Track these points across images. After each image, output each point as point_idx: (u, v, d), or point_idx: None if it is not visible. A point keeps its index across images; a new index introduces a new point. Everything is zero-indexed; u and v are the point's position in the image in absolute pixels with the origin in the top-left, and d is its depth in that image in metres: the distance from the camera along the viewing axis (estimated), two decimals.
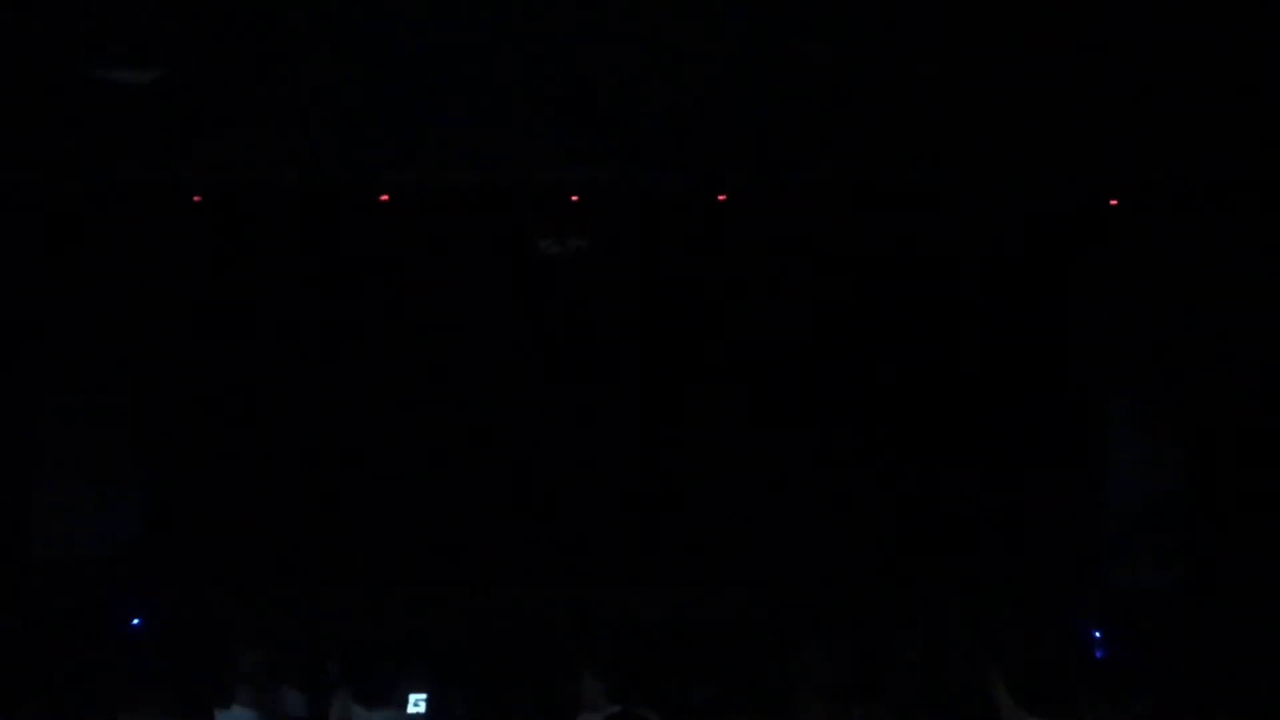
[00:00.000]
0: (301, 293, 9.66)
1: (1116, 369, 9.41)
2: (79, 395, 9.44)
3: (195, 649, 6.97)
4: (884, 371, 9.65)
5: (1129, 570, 9.01)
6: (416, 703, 5.78)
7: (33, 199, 8.84)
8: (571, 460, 9.68)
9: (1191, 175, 8.47)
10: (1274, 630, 7.53)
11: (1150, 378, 9.27)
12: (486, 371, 9.81)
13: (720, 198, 9.18)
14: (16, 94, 7.31)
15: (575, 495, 9.58)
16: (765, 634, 6.79)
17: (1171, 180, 8.59)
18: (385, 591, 9.03)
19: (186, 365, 9.66)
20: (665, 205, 9.33)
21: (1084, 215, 9.16)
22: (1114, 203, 8.98)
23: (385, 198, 9.27)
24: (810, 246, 9.49)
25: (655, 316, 9.82)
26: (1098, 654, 8.60)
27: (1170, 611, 8.47)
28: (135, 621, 9.18)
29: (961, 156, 8.44)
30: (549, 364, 9.82)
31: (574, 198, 9.27)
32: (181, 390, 9.66)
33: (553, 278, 9.67)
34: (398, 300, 9.75)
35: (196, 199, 9.25)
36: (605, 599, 8.86)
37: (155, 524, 9.46)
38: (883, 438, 9.59)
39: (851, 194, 9.16)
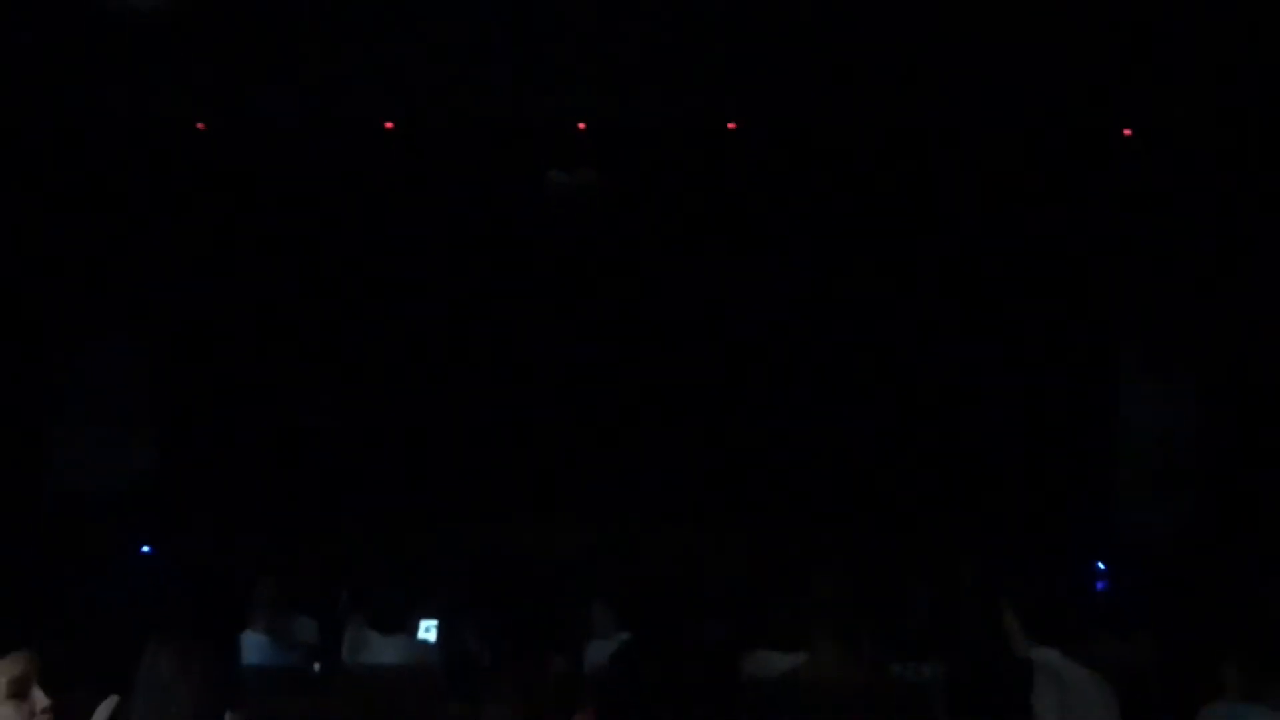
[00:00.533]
0: (308, 224, 9.60)
1: (1128, 310, 9.36)
2: (90, 334, 9.43)
3: (210, 579, 7.03)
4: (895, 309, 9.61)
5: (1136, 509, 9.04)
6: (427, 629, 5.84)
7: (40, 133, 8.75)
8: (582, 394, 9.68)
9: (1208, 106, 8.34)
10: (1273, 577, 7.56)
11: (1162, 320, 9.22)
12: (494, 305, 9.78)
13: (730, 126, 9.08)
14: (19, 23, 7.21)
15: (588, 430, 9.59)
16: (777, 570, 6.82)
17: (1188, 111, 8.46)
18: (397, 522, 9.08)
19: (196, 300, 9.63)
20: (674, 134, 9.22)
21: (1098, 149, 9.04)
22: (1128, 133, 8.86)
23: (390, 125, 9.17)
24: (819, 176, 9.41)
25: (664, 247, 9.76)
26: (1100, 586, 8.66)
27: (1175, 549, 8.50)
28: (145, 549, 9.25)
29: (973, 85, 8.32)
30: (557, 295, 9.79)
31: (581, 126, 9.18)
32: (192, 326, 9.65)
33: (561, 207, 9.60)
34: (403, 232, 9.70)
35: (200, 126, 9.16)
36: (617, 532, 8.91)
37: (168, 460, 9.50)
38: (893, 376, 9.58)
39: (861, 123, 9.05)
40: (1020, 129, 8.84)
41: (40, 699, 3.56)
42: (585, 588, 6.40)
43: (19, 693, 3.44)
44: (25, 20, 7.20)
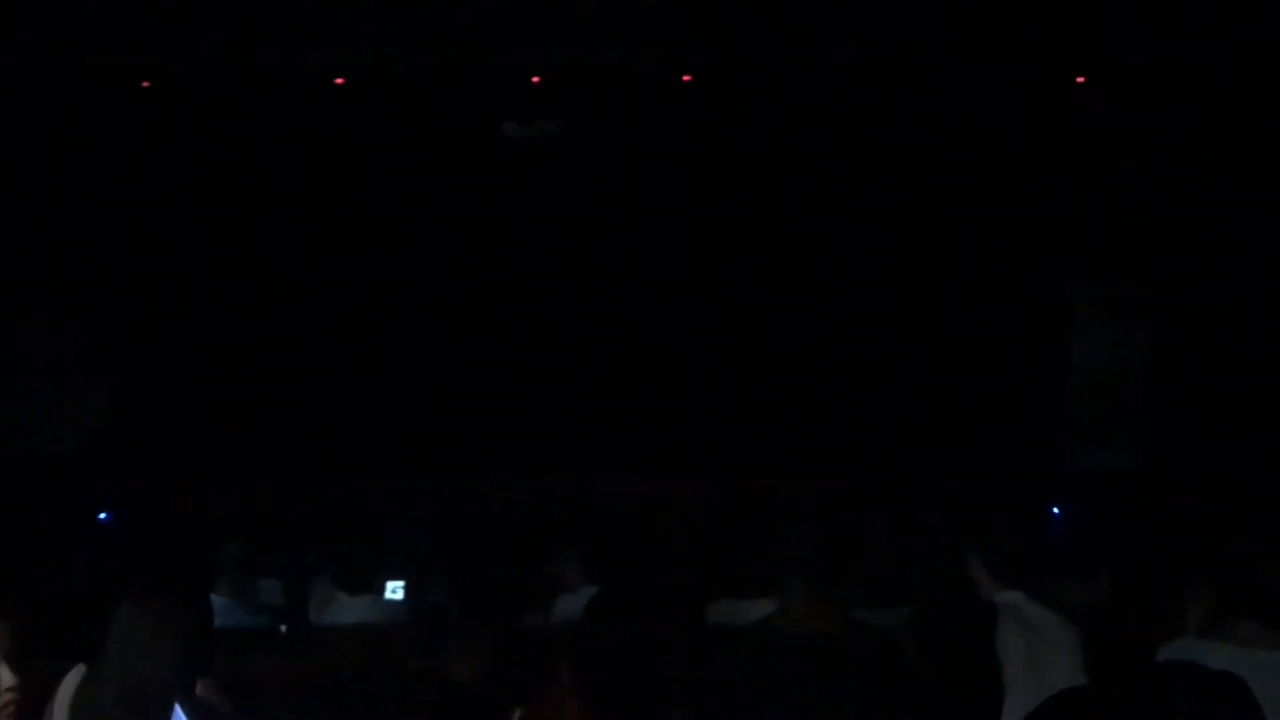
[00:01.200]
0: (260, 180, 9.47)
1: (1082, 252, 9.43)
2: (38, 291, 9.25)
3: (170, 541, 6.97)
4: (851, 258, 9.64)
5: (1091, 450, 9.15)
6: (394, 589, 5.83)
7: None
8: (547, 348, 9.66)
9: (1162, 51, 8.39)
10: (1229, 514, 7.68)
11: (1115, 261, 9.30)
12: (452, 259, 9.71)
13: (685, 78, 9.03)
14: None
15: (552, 383, 9.58)
16: (742, 519, 6.88)
17: (1141, 56, 8.50)
18: (361, 480, 9.04)
19: (143, 255, 9.49)
20: (630, 85, 9.15)
21: (1050, 93, 9.07)
22: (1080, 80, 8.90)
23: (341, 80, 9.05)
24: (776, 127, 9.40)
25: (621, 200, 9.72)
26: (1057, 529, 8.78)
27: (1129, 493, 8.62)
28: (102, 516, 9.15)
29: (926, 32, 8.32)
30: (515, 250, 9.74)
31: (535, 79, 9.10)
32: (139, 281, 9.50)
33: (516, 161, 9.53)
34: (358, 187, 9.59)
35: (145, 85, 9.00)
36: (584, 487, 8.92)
37: (118, 419, 9.37)
38: (850, 325, 9.62)
39: (816, 72, 9.04)
40: (974, 72, 8.86)
41: (6, 677, 3.51)
42: (553, 541, 6.41)
43: None
44: None
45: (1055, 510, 8.79)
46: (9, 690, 3.53)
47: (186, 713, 1.96)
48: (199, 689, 3.07)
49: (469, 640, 4.01)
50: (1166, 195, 8.89)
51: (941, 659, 3.97)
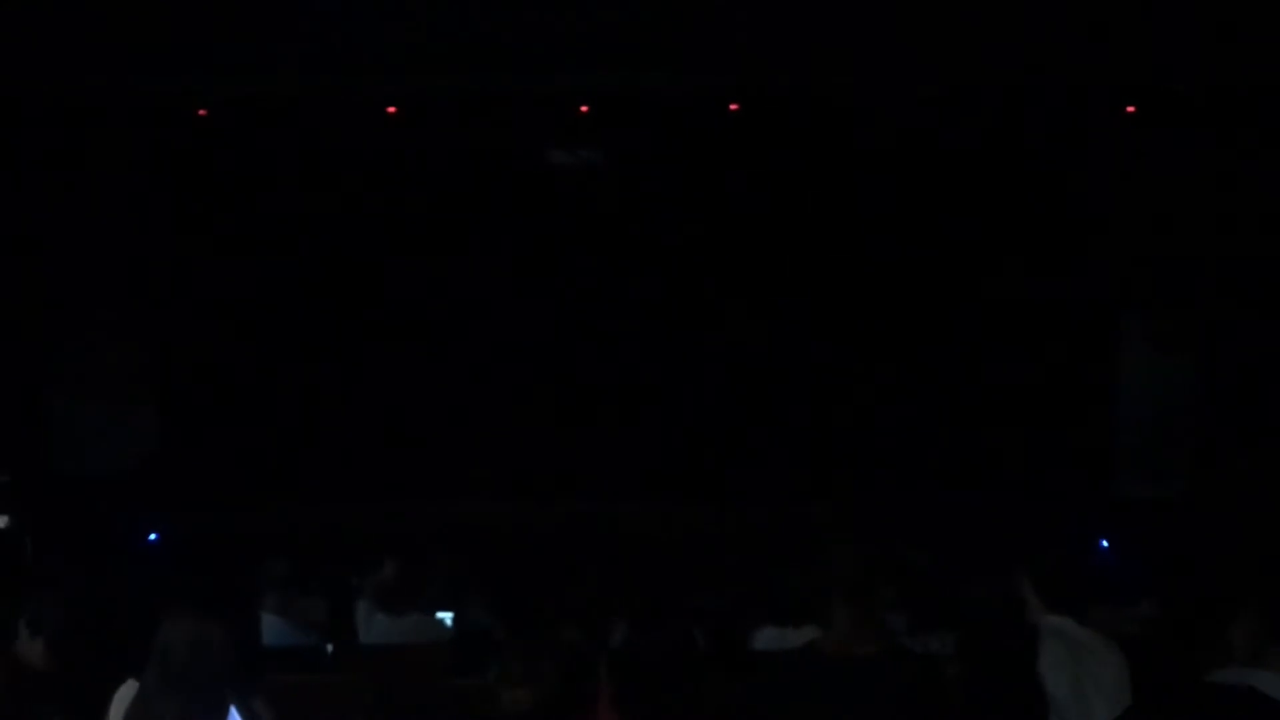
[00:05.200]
0: (311, 207, 9.61)
1: (1129, 282, 9.37)
2: (92, 313, 9.42)
3: (222, 560, 7.05)
4: (898, 287, 9.62)
5: (1139, 477, 9.07)
6: (439, 608, 5.88)
7: (38, 111, 8.74)
8: (591, 371, 9.70)
9: (1210, 81, 8.34)
10: (1275, 542, 7.59)
11: (1162, 291, 9.24)
12: (502, 285, 9.79)
13: (732, 107, 9.08)
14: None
15: (597, 408, 9.62)
16: (784, 546, 6.87)
17: (1191, 86, 8.46)
18: (407, 501, 9.10)
19: (196, 280, 9.64)
20: (676, 114, 9.22)
21: (1100, 123, 9.05)
22: (1130, 110, 8.87)
23: (393, 110, 9.18)
24: (822, 155, 9.42)
25: (666, 228, 9.77)
26: (1103, 561, 8.71)
27: (1176, 521, 8.53)
28: (152, 537, 9.27)
29: (976, 62, 8.32)
30: (560, 276, 9.80)
31: (583, 108, 9.19)
32: (192, 305, 9.65)
33: (563, 189, 9.62)
34: (407, 213, 9.71)
35: (202, 113, 9.16)
36: (627, 511, 8.94)
37: (170, 440, 9.50)
38: (897, 351, 9.59)
39: (861, 101, 9.06)
40: (1025, 103, 8.86)
41: None
42: (595, 565, 6.43)
43: None
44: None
45: (1102, 540, 8.71)
46: None
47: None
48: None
49: (514, 662, 4.03)
50: (1215, 226, 8.83)
51: (986, 683, 3.95)
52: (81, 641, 5.09)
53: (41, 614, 4.69)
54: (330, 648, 5.67)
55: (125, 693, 3.48)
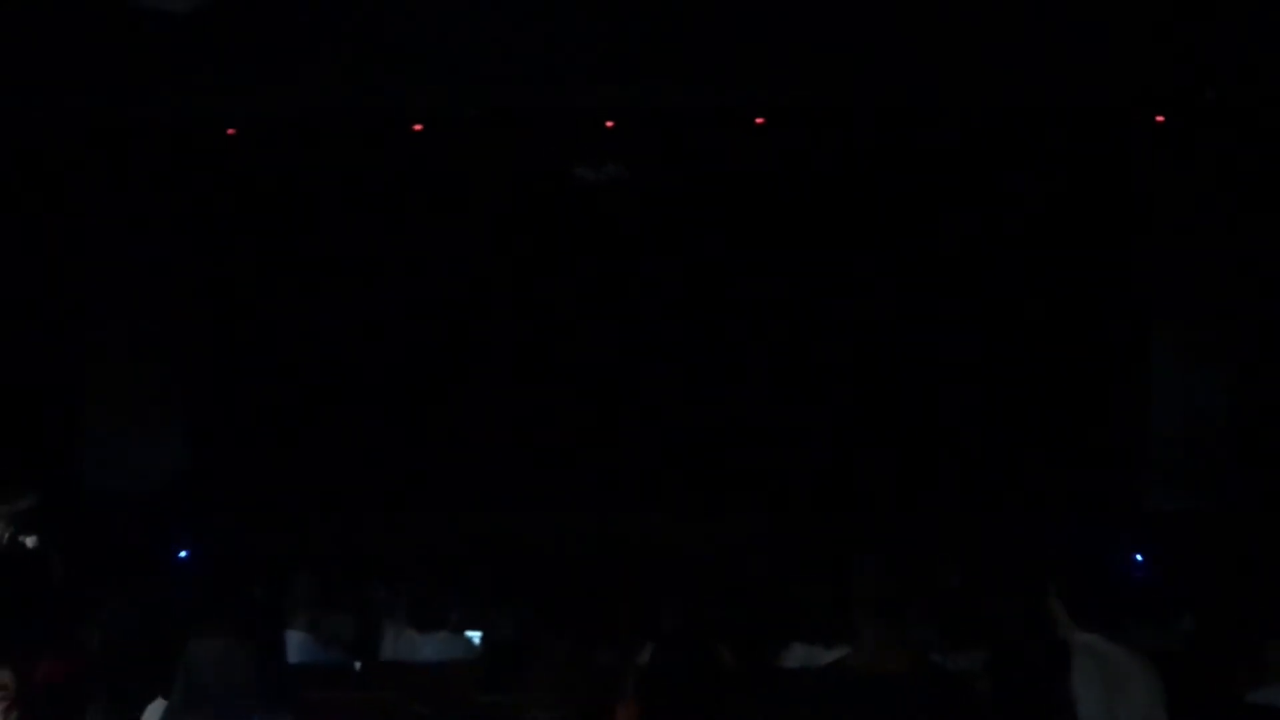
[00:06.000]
0: (338, 224, 9.66)
1: (1162, 293, 9.30)
2: (123, 333, 9.49)
3: (249, 579, 7.07)
4: (927, 300, 9.58)
5: (1173, 494, 8.97)
6: (467, 625, 5.87)
7: (71, 134, 8.83)
8: (621, 388, 9.69)
9: (1243, 91, 8.27)
10: None
11: (1196, 302, 9.16)
12: (527, 300, 9.81)
13: (758, 121, 9.07)
14: (55, 23, 7.27)
15: (629, 423, 9.61)
16: (813, 563, 6.83)
17: (1221, 96, 8.39)
18: (436, 517, 9.11)
19: (227, 300, 9.70)
20: (701, 129, 9.22)
21: (1131, 133, 8.99)
22: (1160, 120, 8.81)
23: (419, 127, 9.22)
24: (848, 169, 9.40)
25: (692, 242, 9.76)
26: (1138, 576, 8.61)
27: (1211, 537, 8.43)
28: (182, 554, 9.31)
29: (1006, 75, 8.28)
30: (588, 292, 9.81)
31: (609, 124, 9.20)
32: (225, 324, 9.72)
33: (589, 204, 9.63)
34: (433, 229, 9.74)
35: (230, 132, 9.23)
36: (653, 528, 8.92)
37: (201, 459, 9.55)
38: (928, 364, 9.55)
39: (887, 115, 9.03)
40: (1058, 115, 8.82)
41: (4, 675, 3.61)
42: (623, 581, 6.41)
43: None
44: (49, 22, 7.25)
45: (1137, 555, 8.62)
46: (3, 687, 3.63)
47: None
48: None
49: (543, 679, 4.02)
50: (1248, 237, 8.74)
51: (1017, 701, 3.90)
52: (113, 660, 5.11)
53: (72, 632, 4.72)
54: (358, 665, 5.67)
55: (153, 711, 3.49)
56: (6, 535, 6.11)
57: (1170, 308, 9.29)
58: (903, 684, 3.49)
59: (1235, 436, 8.95)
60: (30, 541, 6.32)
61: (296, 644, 5.45)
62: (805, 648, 5.21)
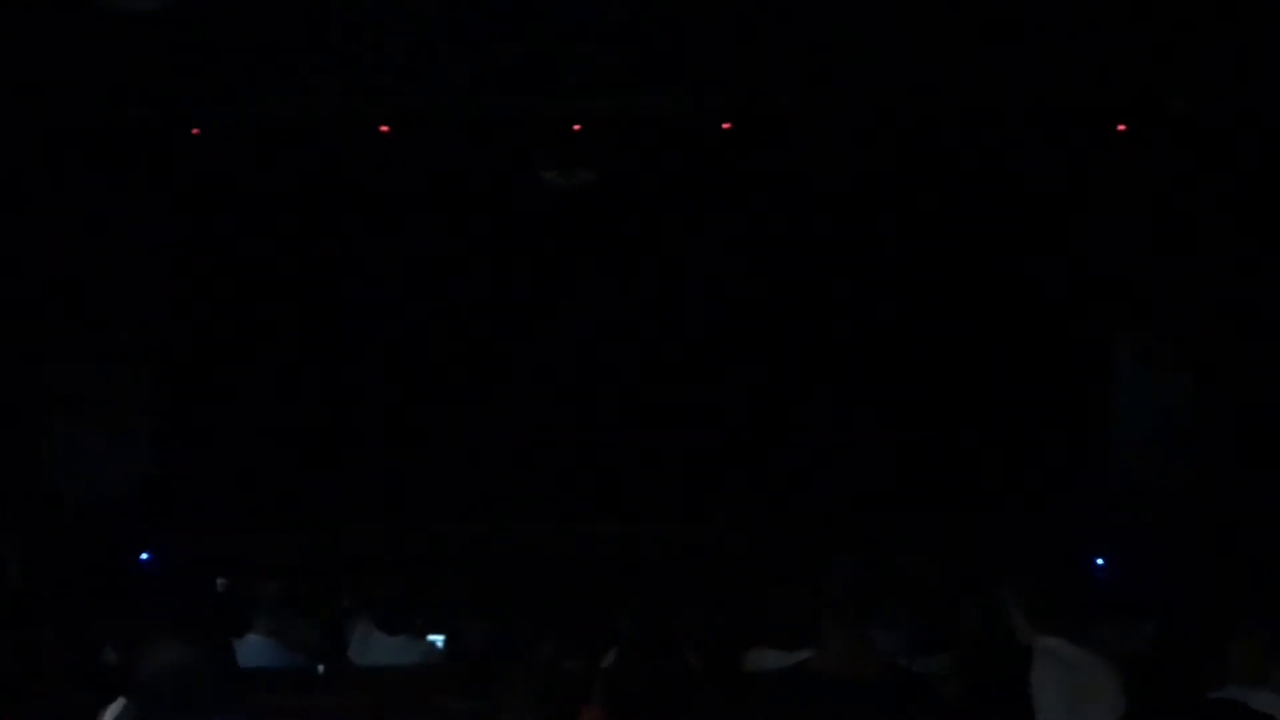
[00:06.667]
0: (304, 227, 9.61)
1: (1125, 301, 9.39)
2: (87, 338, 9.40)
3: (210, 582, 7.03)
4: (892, 300, 9.64)
5: (1134, 497, 9.05)
6: (433, 629, 5.85)
7: (33, 132, 8.74)
8: (582, 393, 9.69)
9: (1203, 100, 8.36)
10: (1275, 561, 7.58)
11: (1157, 310, 9.25)
12: (493, 305, 9.79)
13: (725, 125, 9.10)
14: (17, 23, 7.20)
15: (593, 429, 9.61)
16: (777, 566, 6.86)
17: (1182, 105, 8.48)
18: (400, 523, 9.08)
19: (191, 303, 9.63)
20: (669, 134, 9.23)
21: (1091, 141, 9.07)
22: (1121, 129, 8.89)
23: (386, 129, 9.18)
24: (815, 174, 9.44)
25: (661, 247, 9.78)
26: (1100, 579, 8.69)
27: (1172, 540, 8.52)
28: (144, 556, 9.23)
29: (968, 80, 8.34)
30: (557, 298, 9.80)
31: (576, 127, 9.20)
32: (191, 328, 9.64)
33: (557, 209, 9.62)
34: (400, 233, 9.71)
35: (195, 132, 9.17)
36: (620, 531, 8.92)
37: (165, 464, 9.47)
38: (892, 365, 9.60)
39: (855, 120, 9.08)
40: (1016, 121, 8.88)
41: None
42: (589, 586, 6.41)
43: None
44: (21, 21, 7.18)
45: (1098, 559, 8.69)
46: None
47: None
48: None
49: (508, 683, 4.00)
50: (1208, 244, 8.84)
51: (982, 704, 3.92)
52: (74, 664, 5.07)
53: (32, 636, 4.68)
54: (322, 669, 5.64)
55: (113, 711, 3.46)
56: None
57: (1132, 309, 9.38)
58: (870, 687, 3.50)
59: (1199, 438, 9.04)
60: None
61: (260, 648, 5.42)
62: (770, 651, 5.21)
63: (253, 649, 5.38)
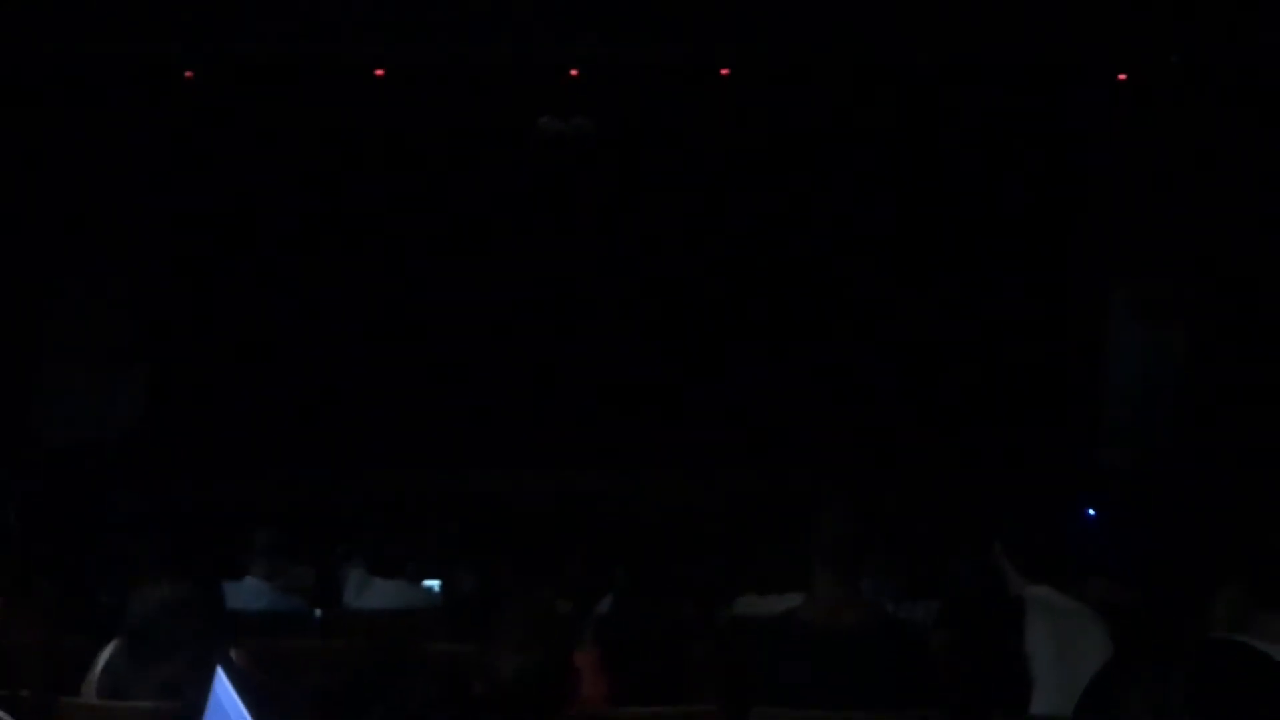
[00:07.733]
0: (298, 171, 9.56)
1: (1117, 251, 9.38)
2: (80, 281, 9.37)
3: (205, 527, 7.06)
4: (885, 255, 9.62)
5: (1122, 448, 9.10)
6: (428, 573, 5.90)
7: (25, 73, 8.67)
8: (573, 340, 9.69)
9: (1203, 49, 8.32)
10: (1260, 511, 7.64)
11: (1150, 261, 9.25)
12: (490, 254, 9.76)
13: (723, 72, 9.04)
14: None
15: (580, 381, 9.61)
16: (767, 513, 6.91)
17: (1182, 54, 8.44)
18: (395, 467, 9.11)
19: (185, 246, 9.60)
20: (666, 80, 9.17)
21: (1091, 90, 9.03)
22: (1122, 78, 8.85)
23: (380, 73, 9.12)
24: (812, 122, 9.40)
25: (657, 195, 9.74)
26: (1084, 528, 8.75)
27: (1159, 491, 8.58)
28: (141, 503, 9.24)
29: (966, 32, 8.29)
30: (551, 246, 9.77)
31: (573, 72, 9.13)
32: (182, 272, 9.62)
33: (552, 155, 9.58)
34: (395, 178, 9.66)
35: (188, 75, 9.10)
36: (612, 477, 8.96)
37: (158, 408, 9.48)
38: (884, 321, 9.60)
39: (853, 68, 9.03)
40: (1015, 71, 8.84)
41: None
42: (582, 534, 6.45)
43: None
44: None
45: (1088, 510, 8.75)
46: None
47: (230, 679, 2.01)
48: (235, 658, 3.13)
49: (502, 626, 4.03)
50: (1203, 195, 8.83)
51: (970, 652, 3.97)
52: (67, 607, 5.10)
53: (26, 582, 4.70)
54: (318, 613, 5.69)
55: (108, 653, 3.50)
56: None
57: (1123, 265, 9.38)
58: (858, 635, 3.54)
59: (1186, 393, 9.08)
60: None
61: (255, 591, 5.47)
62: (760, 598, 5.26)
63: (250, 592, 5.43)
